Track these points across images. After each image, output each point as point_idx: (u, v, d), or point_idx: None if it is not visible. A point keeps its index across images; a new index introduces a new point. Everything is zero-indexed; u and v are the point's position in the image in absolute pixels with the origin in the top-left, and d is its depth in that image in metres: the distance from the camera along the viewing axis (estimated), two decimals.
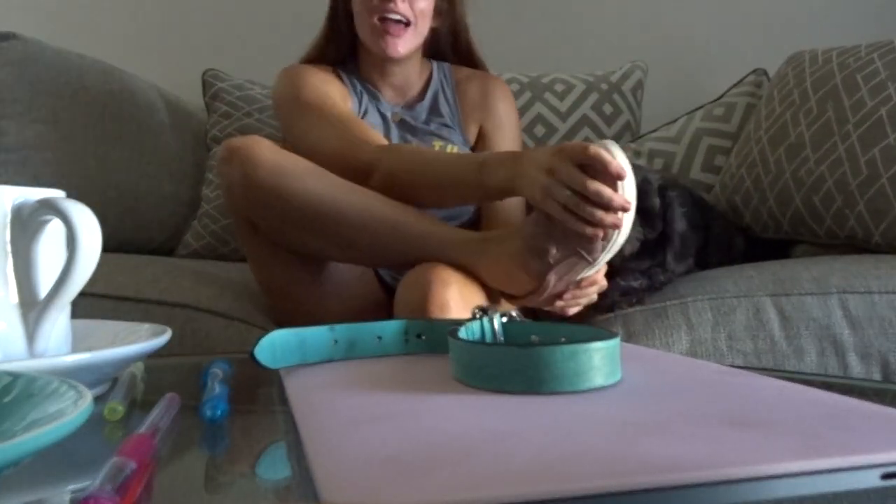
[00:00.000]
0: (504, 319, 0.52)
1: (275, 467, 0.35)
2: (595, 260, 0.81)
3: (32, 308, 0.47)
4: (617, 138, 1.68)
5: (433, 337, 0.55)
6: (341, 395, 0.41)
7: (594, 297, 0.90)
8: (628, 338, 1.00)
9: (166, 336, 0.53)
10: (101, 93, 1.51)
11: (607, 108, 1.69)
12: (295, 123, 1.11)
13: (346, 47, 1.22)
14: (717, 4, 2.00)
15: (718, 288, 1.02)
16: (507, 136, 1.23)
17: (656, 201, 1.03)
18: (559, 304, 0.87)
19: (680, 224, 1.07)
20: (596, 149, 0.76)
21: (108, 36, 1.93)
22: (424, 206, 0.96)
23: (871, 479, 0.28)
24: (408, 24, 1.12)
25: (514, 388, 0.40)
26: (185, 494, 0.32)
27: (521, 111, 1.64)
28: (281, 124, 1.17)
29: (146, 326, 0.59)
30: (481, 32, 1.30)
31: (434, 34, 1.22)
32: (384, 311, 1.08)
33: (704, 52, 2.00)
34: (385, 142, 1.04)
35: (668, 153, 1.58)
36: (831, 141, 1.22)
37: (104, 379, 0.50)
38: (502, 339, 0.51)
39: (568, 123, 1.67)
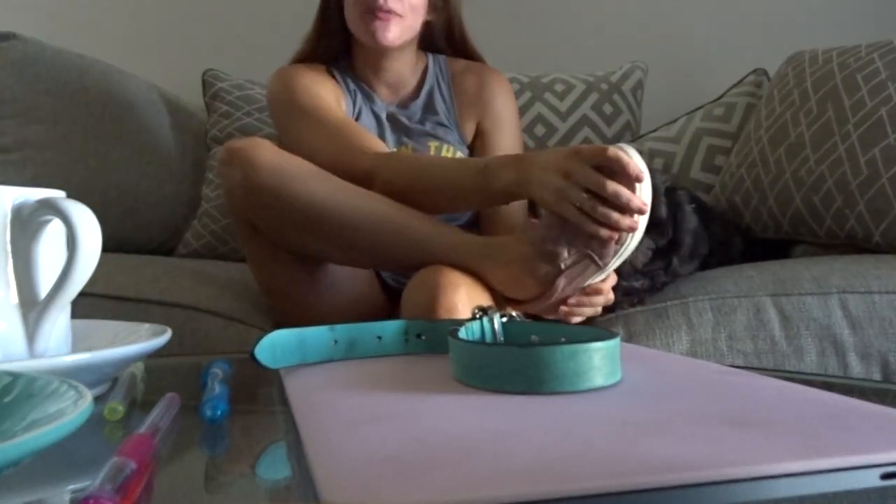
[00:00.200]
0: (504, 319, 0.52)
1: (275, 467, 0.35)
2: (606, 265, 0.81)
3: (32, 308, 0.47)
4: (617, 138, 1.68)
5: (433, 337, 0.55)
6: (341, 395, 0.41)
7: (599, 309, 0.90)
8: (629, 338, 1.00)
9: (166, 336, 0.53)
10: (101, 93, 1.51)
11: (607, 108, 1.69)
12: (289, 128, 1.10)
13: (338, 43, 1.19)
14: (716, 4, 2.00)
15: (719, 288, 1.02)
16: (506, 133, 1.21)
17: (663, 210, 1.04)
18: (563, 309, 0.87)
19: (691, 221, 1.07)
20: (615, 150, 0.76)
21: (108, 36, 1.93)
22: (426, 213, 0.95)
23: (871, 479, 0.28)
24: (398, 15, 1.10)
25: (514, 388, 0.40)
26: (185, 494, 0.32)
27: (521, 111, 1.63)
28: (276, 128, 1.16)
29: (146, 326, 0.59)
30: (481, 32, 1.30)
31: (428, 27, 1.20)
32: (384, 312, 1.08)
33: (704, 52, 2.00)
34: (383, 147, 1.03)
35: (668, 153, 1.58)
36: (831, 141, 1.22)
37: (104, 379, 0.50)
38: (502, 339, 0.51)
39: (568, 123, 1.67)
